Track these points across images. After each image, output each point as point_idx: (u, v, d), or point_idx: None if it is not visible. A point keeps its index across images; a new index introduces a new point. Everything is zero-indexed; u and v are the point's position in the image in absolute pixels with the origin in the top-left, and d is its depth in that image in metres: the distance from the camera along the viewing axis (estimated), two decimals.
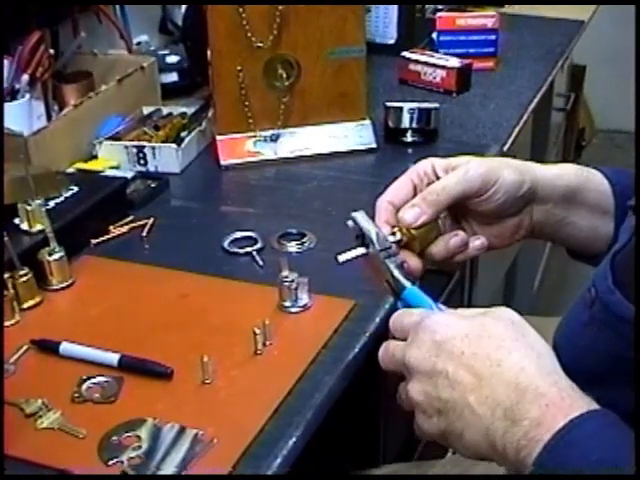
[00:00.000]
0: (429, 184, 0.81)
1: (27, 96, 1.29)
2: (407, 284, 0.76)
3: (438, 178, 0.82)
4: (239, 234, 1.12)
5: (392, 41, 1.81)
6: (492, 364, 0.67)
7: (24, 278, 0.97)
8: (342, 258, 0.78)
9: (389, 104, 1.41)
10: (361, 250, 0.78)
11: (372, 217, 0.80)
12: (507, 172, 0.81)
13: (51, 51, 1.33)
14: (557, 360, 0.68)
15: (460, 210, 0.83)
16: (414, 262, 0.80)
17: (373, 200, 1.24)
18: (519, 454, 0.64)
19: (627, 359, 0.66)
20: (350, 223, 0.80)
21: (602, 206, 0.86)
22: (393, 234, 0.79)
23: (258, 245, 1.09)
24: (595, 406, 0.65)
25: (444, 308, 0.75)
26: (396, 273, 0.76)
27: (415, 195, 0.81)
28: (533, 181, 0.83)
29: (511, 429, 0.65)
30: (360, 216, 0.79)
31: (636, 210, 0.74)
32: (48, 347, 0.90)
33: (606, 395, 0.67)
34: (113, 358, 0.87)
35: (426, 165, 0.83)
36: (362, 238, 0.78)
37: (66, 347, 0.90)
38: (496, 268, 1.84)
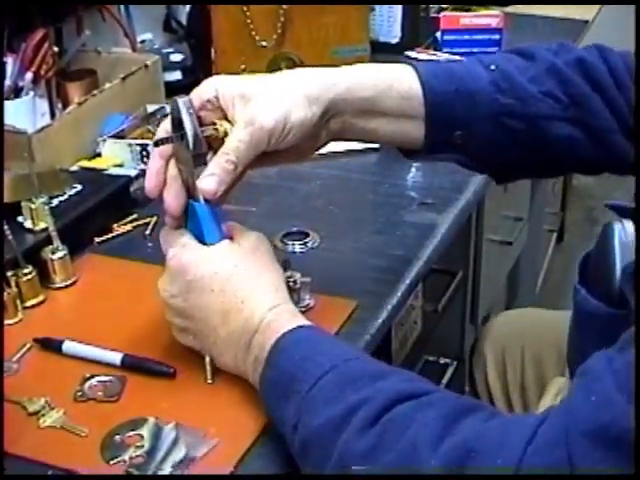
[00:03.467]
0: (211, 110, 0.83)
1: (31, 94, 1.29)
2: (201, 200, 0.81)
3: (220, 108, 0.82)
4: None
5: (396, 40, 1.81)
6: (237, 301, 0.80)
7: (28, 276, 0.97)
8: (157, 137, 0.82)
9: None
10: (175, 136, 0.81)
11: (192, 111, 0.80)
12: (295, 113, 0.81)
13: (55, 49, 1.33)
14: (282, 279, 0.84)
15: None
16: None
17: (376, 200, 1.25)
18: (255, 374, 0.78)
19: None
20: (169, 108, 0.82)
21: (408, 112, 0.87)
22: (214, 123, 0.82)
23: None
24: (305, 322, 0.79)
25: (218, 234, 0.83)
26: (198, 184, 0.80)
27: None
28: (323, 103, 0.83)
29: (247, 356, 0.79)
30: (183, 105, 0.80)
31: (637, 210, 0.74)
32: (51, 346, 0.91)
33: None
34: (116, 357, 0.87)
35: (208, 92, 0.82)
36: (179, 127, 0.80)
37: (69, 346, 0.90)
38: (499, 268, 1.83)
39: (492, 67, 0.88)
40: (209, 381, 0.84)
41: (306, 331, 0.78)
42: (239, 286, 0.80)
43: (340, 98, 0.84)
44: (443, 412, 0.65)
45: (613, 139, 0.87)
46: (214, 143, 0.83)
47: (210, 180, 0.80)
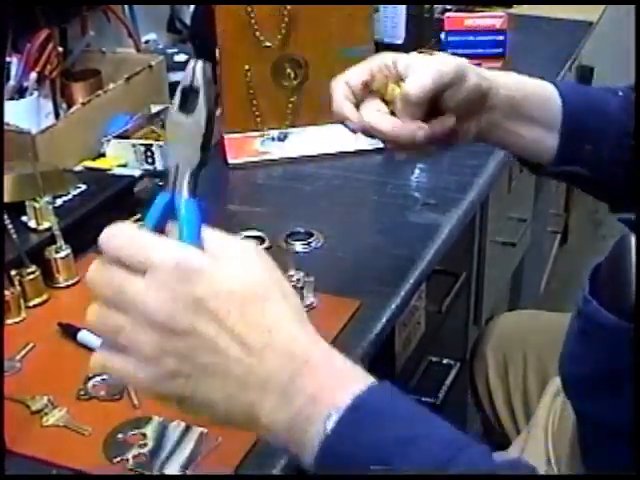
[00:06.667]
0: (387, 76, 0.88)
1: (35, 94, 1.30)
2: (185, 195, 0.62)
3: (398, 72, 0.88)
4: (246, 233, 1.12)
5: (400, 41, 1.80)
6: (263, 330, 0.58)
7: (31, 276, 0.97)
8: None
9: None
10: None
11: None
12: (471, 73, 0.87)
13: (59, 49, 1.34)
14: None
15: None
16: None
17: (380, 200, 1.25)
18: (291, 431, 0.58)
19: (608, 370, 0.67)
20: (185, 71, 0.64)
21: (547, 121, 0.92)
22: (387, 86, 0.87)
23: (265, 244, 1.09)
24: (371, 378, 0.60)
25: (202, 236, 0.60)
26: (187, 180, 0.63)
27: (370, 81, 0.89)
28: (487, 87, 0.88)
29: (282, 406, 0.58)
30: (201, 72, 0.64)
31: (636, 208, 0.74)
32: (69, 332, 0.92)
33: (596, 407, 0.68)
34: None
35: (386, 58, 0.89)
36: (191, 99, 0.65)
37: (83, 335, 0.91)
38: (503, 269, 1.83)
39: (620, 93, 0.94)
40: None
41: (386, 396, 0.61)
42: (260, 310, 0.59)
43: (495, 91, 0.89)
44: None
45: None
46: (388, 104, 0.88)
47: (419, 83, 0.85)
